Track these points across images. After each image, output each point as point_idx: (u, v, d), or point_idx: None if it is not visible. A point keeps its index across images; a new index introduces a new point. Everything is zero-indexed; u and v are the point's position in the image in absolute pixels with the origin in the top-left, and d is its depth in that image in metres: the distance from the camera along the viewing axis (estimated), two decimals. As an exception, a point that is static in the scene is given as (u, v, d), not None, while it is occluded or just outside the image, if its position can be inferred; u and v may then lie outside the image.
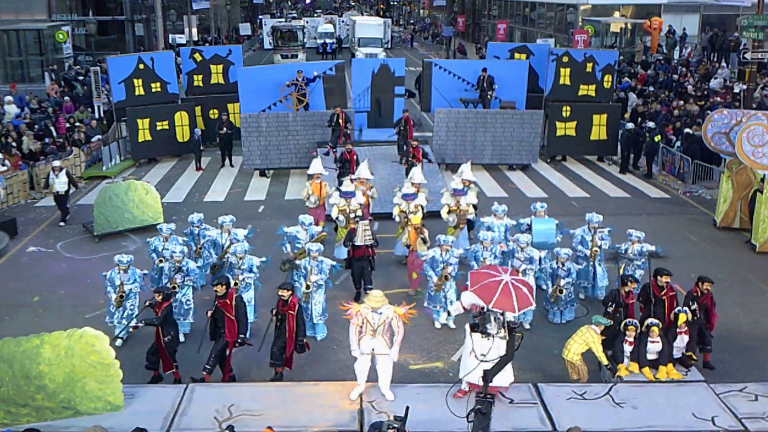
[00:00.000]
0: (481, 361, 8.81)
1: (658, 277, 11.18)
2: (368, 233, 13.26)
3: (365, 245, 13.23)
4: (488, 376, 7.87)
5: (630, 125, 23.15)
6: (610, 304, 11.25)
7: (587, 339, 10.46)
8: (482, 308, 8.86)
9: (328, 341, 12.18)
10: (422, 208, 14.68)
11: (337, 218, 14.72)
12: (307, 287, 11.92)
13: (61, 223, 17.89)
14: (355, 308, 9.65)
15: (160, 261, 12.43)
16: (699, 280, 11.35)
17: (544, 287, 12.83)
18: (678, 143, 22.36)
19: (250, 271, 12.24)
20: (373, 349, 9.54)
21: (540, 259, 12.67)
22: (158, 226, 13.62)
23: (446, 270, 12.33)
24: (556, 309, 12.80)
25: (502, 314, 8.29)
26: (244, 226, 14.25)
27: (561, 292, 12.52)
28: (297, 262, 12.45)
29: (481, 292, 9.29)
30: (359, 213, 14.71)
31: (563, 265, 12.52)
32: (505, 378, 9.40)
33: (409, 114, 21.68)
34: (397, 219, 14.80)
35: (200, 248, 13.69)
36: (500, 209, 14.23)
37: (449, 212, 14.85)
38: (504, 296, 9.10)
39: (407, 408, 7.70)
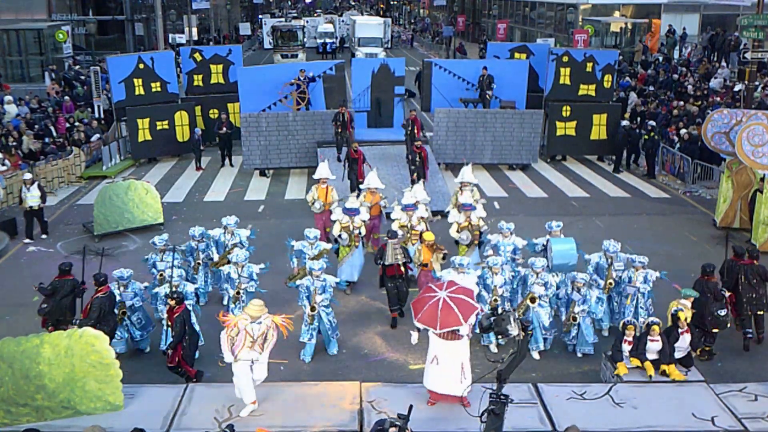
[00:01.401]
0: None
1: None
2: (398, 251, 12.57)
3: (397, 264, 12.57)
4: (503, 375, 7.81)
5: (625, 123, 23.11)
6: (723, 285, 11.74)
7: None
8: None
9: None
10: (424, 220, 14.13)
11: (339, 236, 13.83)
12: (313, 309, 11.52)
13: (44, 236, 16.97)
14: (233, 320, 9.38)
15: (161, 275, 12.29)
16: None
17: (553, 309, 12.03)
18: (677, 144, 22.37)
19: (251, 278, 12.02)
20: (252, 360, 9.31)
21: (556, 284, 11.91)
22: (152, 241, 13.07)
23: None
24: (571, 340, 11.81)
25: (516, 312, 8.20)
26: (245, 226, 14.24)
27: (575, 319, 11.57)
28: (298, 282, 11.92)
29: (426, 320, 9.22)
30: (363, 230, 14.04)
31: (579, 290, 11.60)
32: (461, 387, 9.28)
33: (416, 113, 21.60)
34: (400, 233, 13.64)
35: (198, 264, 13.45)
36: (506, 227, 13.30)
37: (460, 230, 14.05)
38: (446, 313, 9.05)
39: (410, 406, 7.71)
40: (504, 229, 13.30)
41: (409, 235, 13.79)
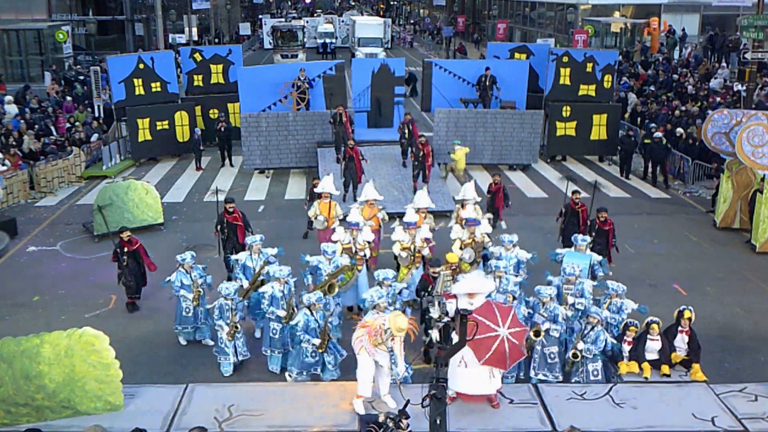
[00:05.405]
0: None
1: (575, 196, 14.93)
2: (449, 284, 10.96)
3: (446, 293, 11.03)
4: (441, 360, 7.84)
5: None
6: None
7: None
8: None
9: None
10: (428, 242, 12.95)
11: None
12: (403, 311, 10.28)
13: None
14: (373, 324, 9.32)
15: (198, 292, 11.91)
16: (597, 212, 14.05)
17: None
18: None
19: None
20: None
21: (567, 317, 10.69)
22: (178, 257, 12.12)
23: None
24: (574, 380, 10.55)
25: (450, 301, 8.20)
26: (245, 225, 14.21)
27: (576, 357, 10.44)
28: (371, 301, 10.45)
29: (494, 362, 9.14)
30: (366, 252, 12.87)
31: (593, 327, 10.39)
32: (492, 385, 9.32)
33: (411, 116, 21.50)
34: (404, 255, 12.71)
35: (198, 293, 12.05)
36: (508, 239, 12.58)
37: (463, 247, 13.15)
38: (497, 355, 9.02)
39: (407, 401, 7.84)
40: (506, 242, 12.61)
41: (413, 257, 12.69)
